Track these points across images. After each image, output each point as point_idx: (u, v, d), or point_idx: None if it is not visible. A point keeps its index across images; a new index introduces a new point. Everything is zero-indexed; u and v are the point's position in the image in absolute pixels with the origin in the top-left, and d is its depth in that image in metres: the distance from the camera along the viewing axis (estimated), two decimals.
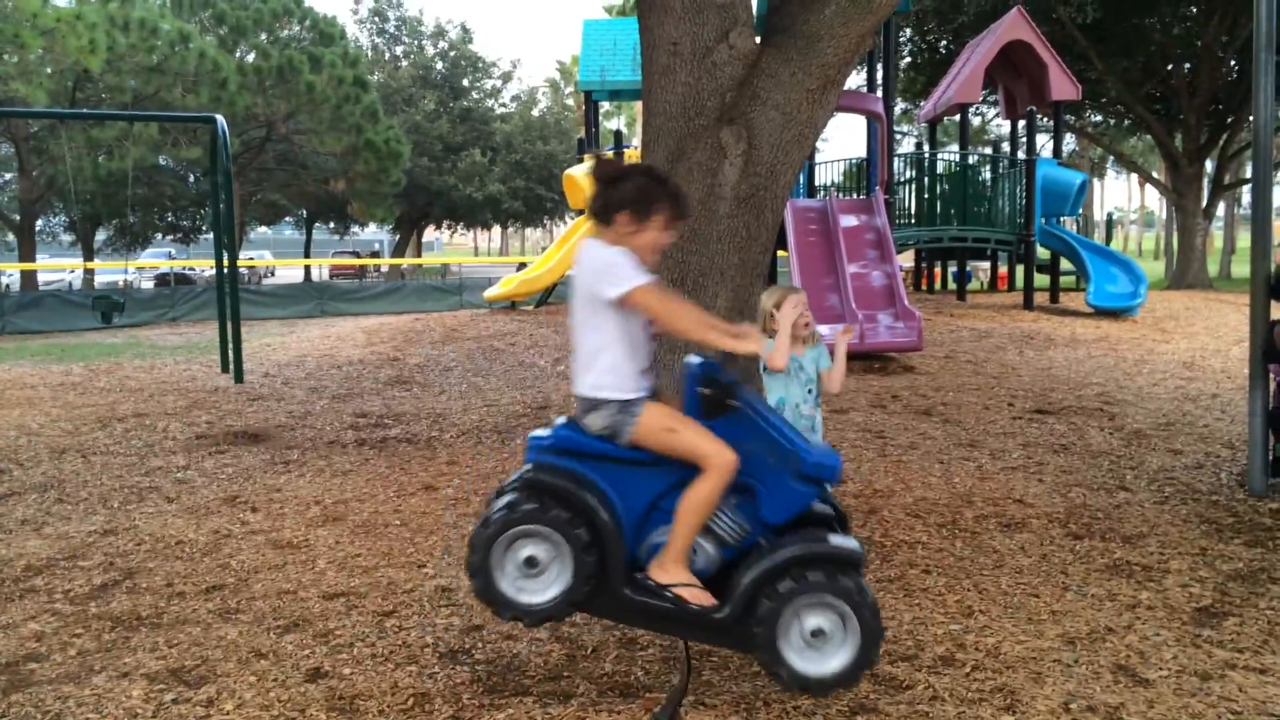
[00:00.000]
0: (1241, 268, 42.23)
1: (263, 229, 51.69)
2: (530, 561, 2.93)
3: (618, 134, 16.91)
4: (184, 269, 37.22)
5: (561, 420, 3.11)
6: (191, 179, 36.36)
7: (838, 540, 2.96)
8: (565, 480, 2.95)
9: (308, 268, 42.07)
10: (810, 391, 4.23)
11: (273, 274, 45.96)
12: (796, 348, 4.12)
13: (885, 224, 11.92)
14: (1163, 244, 60.61)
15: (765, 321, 4.11)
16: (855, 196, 14.56)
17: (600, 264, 2.97)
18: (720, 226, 5.54)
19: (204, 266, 39.17)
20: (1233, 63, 23.77)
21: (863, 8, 5.39)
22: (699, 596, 2.94)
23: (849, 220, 12.05)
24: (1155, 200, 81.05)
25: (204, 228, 40.24)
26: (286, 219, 47.48)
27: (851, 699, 3.18)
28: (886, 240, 11.67)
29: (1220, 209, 36.99)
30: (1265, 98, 5.35)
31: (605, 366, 2.99)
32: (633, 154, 16.55)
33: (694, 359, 3.12)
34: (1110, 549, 4.70)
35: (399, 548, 4.83)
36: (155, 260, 39.21)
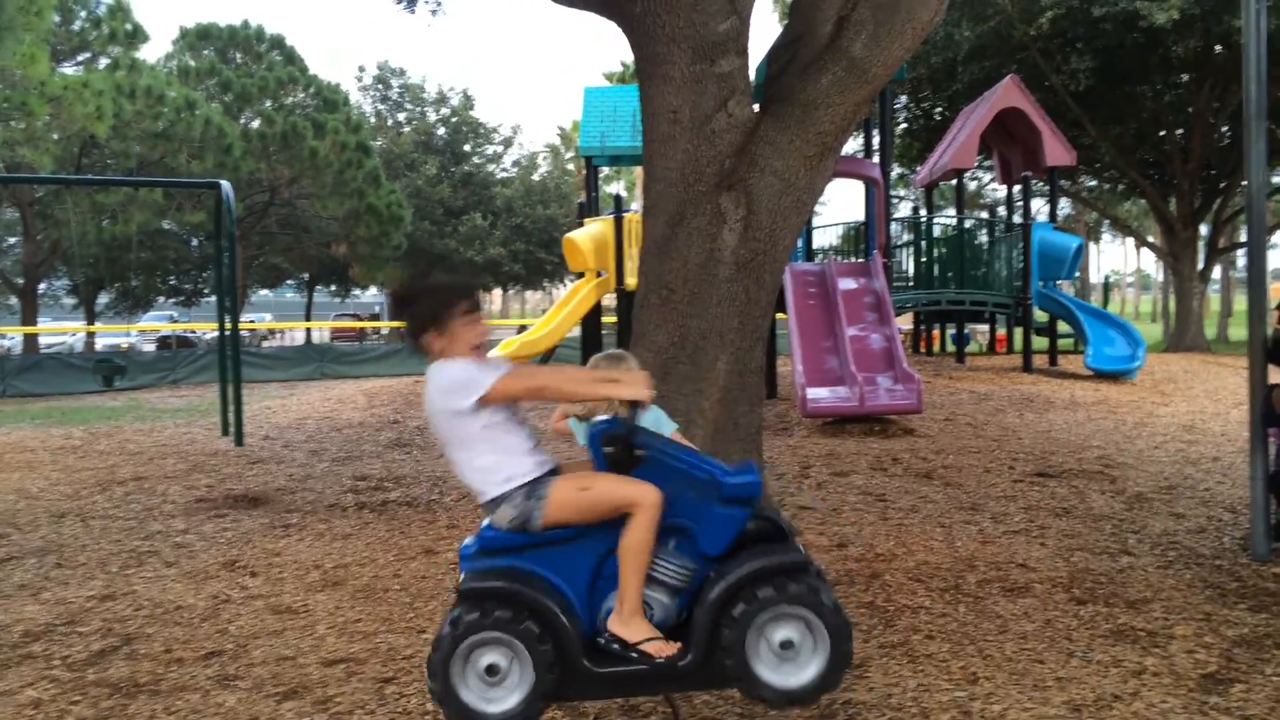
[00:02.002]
0: (1238, 331, 42.40)
1: (264, 291, 51.97)
2: (491, 670, 2.89)
3: (617, 198, 17.04)
4: (185, 332, 37.35)
5: (484, 524, 3.09)
6: (194, 243, 36.65)
7: (778, 549, 2.96)
8: (500, 580, 2.92)
9: (308, 330, 42.26)
10: None
11: (280, 336, 46.10)
12: (600, 410, 3.66)
13: (884, 287, 12.00)
14: (1159, 307, 60.95)
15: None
16: (853, 260, 14.66)
17: (446, 382, 2.97)
18: (720, 291, 5.59)
19: (205, 329, 39.42)
20: (1224, 129, 24.09)
21: (859, 77, 5.49)
22: (663, 648, 2.91)
23: (848, 283, 12.13)
24: (1151, 263, 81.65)
25: (206, 290, 40.50)
26: (288, 282, 47.76)
27: None
28: (885, 303, 11.74)
29: (1216, 272, 37.23)
30: (1257, 164, 5.44)
31: (486, 466, 2.99)
32: (633, 217, 16.71)
33: (593, 420, 3.14)
34: (1114, 614, 4.67)
35: (399, 613, 4.80)
36: (157, 324, 39.33)
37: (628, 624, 2.92)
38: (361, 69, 73.21)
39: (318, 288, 45.50)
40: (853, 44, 5.42)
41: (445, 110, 47.55)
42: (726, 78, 5.65)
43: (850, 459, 8.73)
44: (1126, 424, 10.92)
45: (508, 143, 50.11)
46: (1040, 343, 17.66)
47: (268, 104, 32.06)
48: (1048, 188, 17.95)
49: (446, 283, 3.16)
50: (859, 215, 15.86)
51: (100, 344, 34.19)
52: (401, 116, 47.77)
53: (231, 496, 8.01)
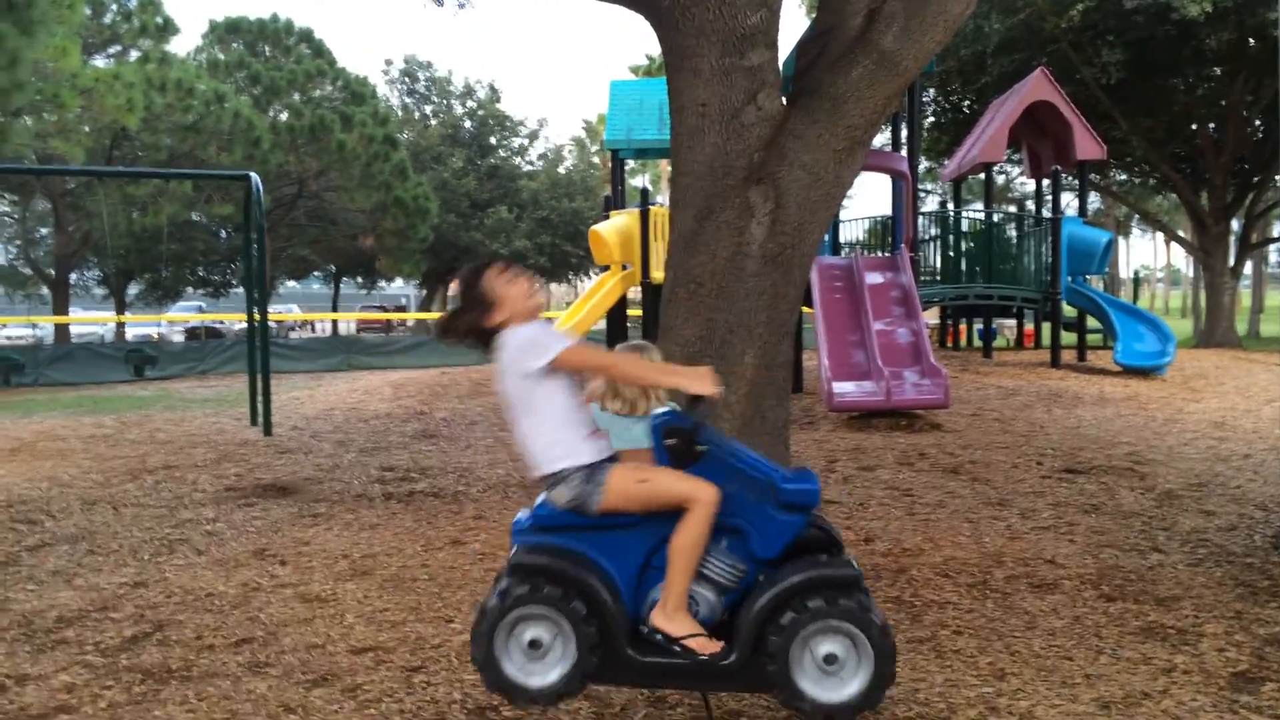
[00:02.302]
0: (1270, 326, 41.94)
1: (291, 283, 52.35)
2: (534, 644, 2.93)
3: (644, 191, 17.05)
4: (213, 322, 37.68)
5: (539, 499, 3.13)
6: (223, 234, 36.95)
7: (832, 563, 2.97)
8: (552, 557, 2.95)
9: (334, 322, 42.52)
10: None
11: (308, 327, 46.39)
12: (640, 406, 3.62)
13: (910, 281, 11.95)
14: (1189, 302, 60.30)
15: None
16: (880, 254, 14.60)
17: (520, 342, 3.00)
18: (748, 284, 5.58)
19: (233, 320, 39.75)
20: (1257, 123, 23.79)
21: (889, 71, 5.46)
22: (706, 645, 2.93)
23: (874, 278, 12.08)
24: (1181, 258, 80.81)
25: (234, 282, 40.85)
26: (315, 274, 48.07)
27: None
28: (912, 297, 11.69)
29: (1247, 267, 36.78)
30: None
31: (551, 440, 3.00)
32: (659, 210, 16.70)
33: (656, 413, 3.15)
34: (1144, 611, 4.64)
35: (427, 602, 4.83)
36: (185, 314, 39.70)
37: (671, 618, 2.94)
38: (389, 62, 73.75)
39: (344, 280, 45.78)
40: (883, 37, 5.39)
41: (472, 103, 47.67)
42: (756, 71, 5.63)
43: (876, 453, 8.70)
44: (1156, 420, 10.83)
45: (533, 136, 50.21)
46: (1069, 338, 17.52)
47: (296, 97, 32.29)
48: (1077, 182, 17.76)
49: (467, 269, 3.23)
50: (885, 209, 15.79)
51: (130, 334, 34.57)
52: (428, 109, 47.95)
53: (260, 486, 8.08)
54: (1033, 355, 18.36)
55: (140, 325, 35.67)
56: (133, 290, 38.92)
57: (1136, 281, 30.54)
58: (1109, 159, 22.22)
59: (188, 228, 33.72)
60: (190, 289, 40.95)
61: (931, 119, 25.71)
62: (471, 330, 3.14)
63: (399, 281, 53.42)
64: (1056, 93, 16.25)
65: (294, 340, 30.61)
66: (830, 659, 2.90)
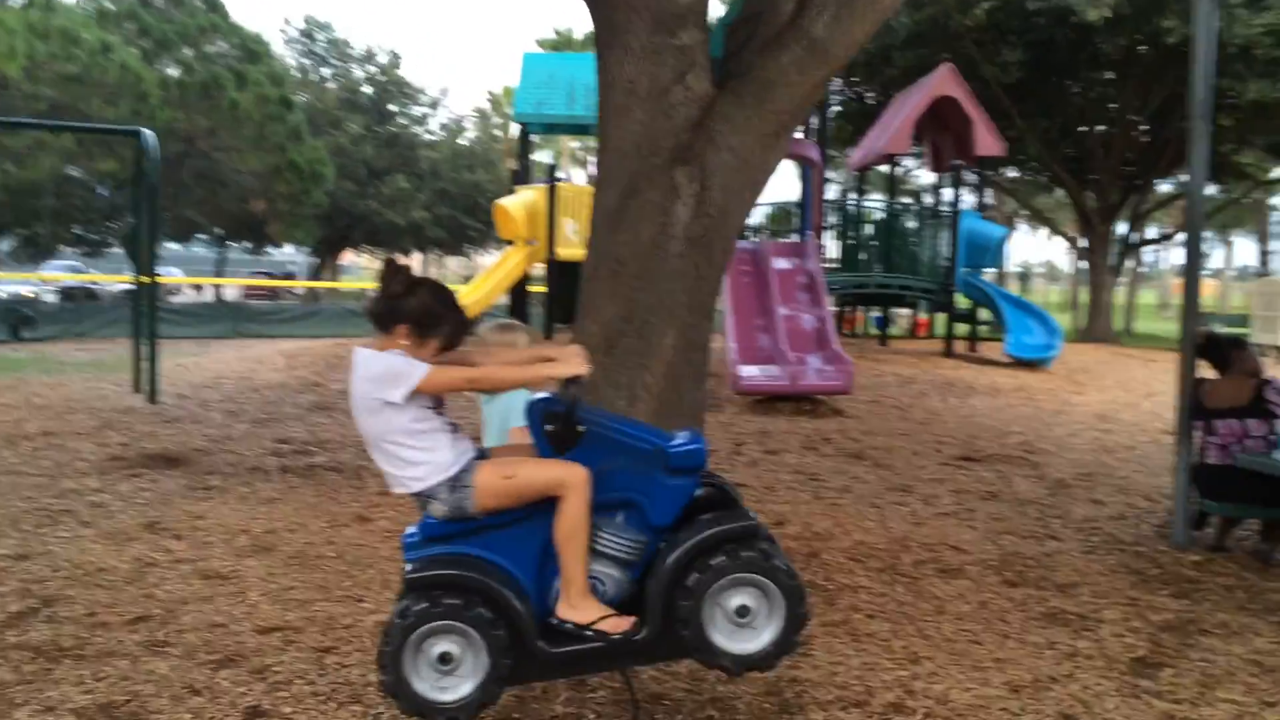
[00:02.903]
0: (1145, 323, 43.88)
1: (173, 245, 50.41)
2: (444, 658, 2.83)
3: (551, 167, 16.91)
4: (90, 284, 36.06)
5: (424, 513, 3.03)
6: (103, 192, 35.33)
7: (728, 516, 2.96)
8: (447, 567, 2.87)
9: (218, 287, 41.14)
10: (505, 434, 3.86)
11: (196, 291, 44.70)
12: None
13: (818, 268, 12.10)
14: (1069, 298, 62.64)
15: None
16: (788, 240, 14.74)
17: (378, 371, 2.90)
18: (670, 266, 5.55)
19: (111, 281, 38.06)
20: (1144, 127, 24.75)
21: (819, 58, 5.46)
22: (618, 624, 2.89)
23: (781, 263, 12.20)
24: (1061, 255, 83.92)
25: (112, 242, 39.10)
26: (199, 236, 46.40)
27: None
28: (818, 284, 11.84)
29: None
30: (1199, 163, 5.57)
31: (410, 459, 2.92)
32: (567, 186, 16.57)
33: (530, 400, 3.08)
34: (1045, 597, 4.79)
35: (335, 581, 4.69)
36: (59, 274, 37.87)
37: (576, 606, 2.89)
38: (287, 21, 71.28)
39: (231, 244, 44.29)
40: (814, 24, 5.38)
41: (372, 68, 46.52)
42: (686, 50, 5.58)
43: (782, 437, 8.80)
44: (1045, 411, 11.21)
45: (435, 105, 49.27)
46: (960, 329, 18.01)
47: (187, 52, 30.99)
48: (975, 176, 18.23)
49: (457, 314, 3.06)
50: (785, 194, 15.94)
51: (1, 291, 32.84)
52: (326, 72, 46.60)
53: (147, 456, 7.74)
54: (926, 344, 18.83)
55: (10, 284, 33.89)
56: (3, 246, 37.00)
57: (1025, 276, 31.55)
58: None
59: (65, 183, 32.15)
60: (65, 248, 39.09)
61: (837, 109, 26.05)
62: (378, 318, 3.01)
63: (289, 248, 51.97)
64: (961, 89, 16.60)
65: (177, 305, 29.51)
66: (742, 611, 2.89)
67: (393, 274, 3.01)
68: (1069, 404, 11.94)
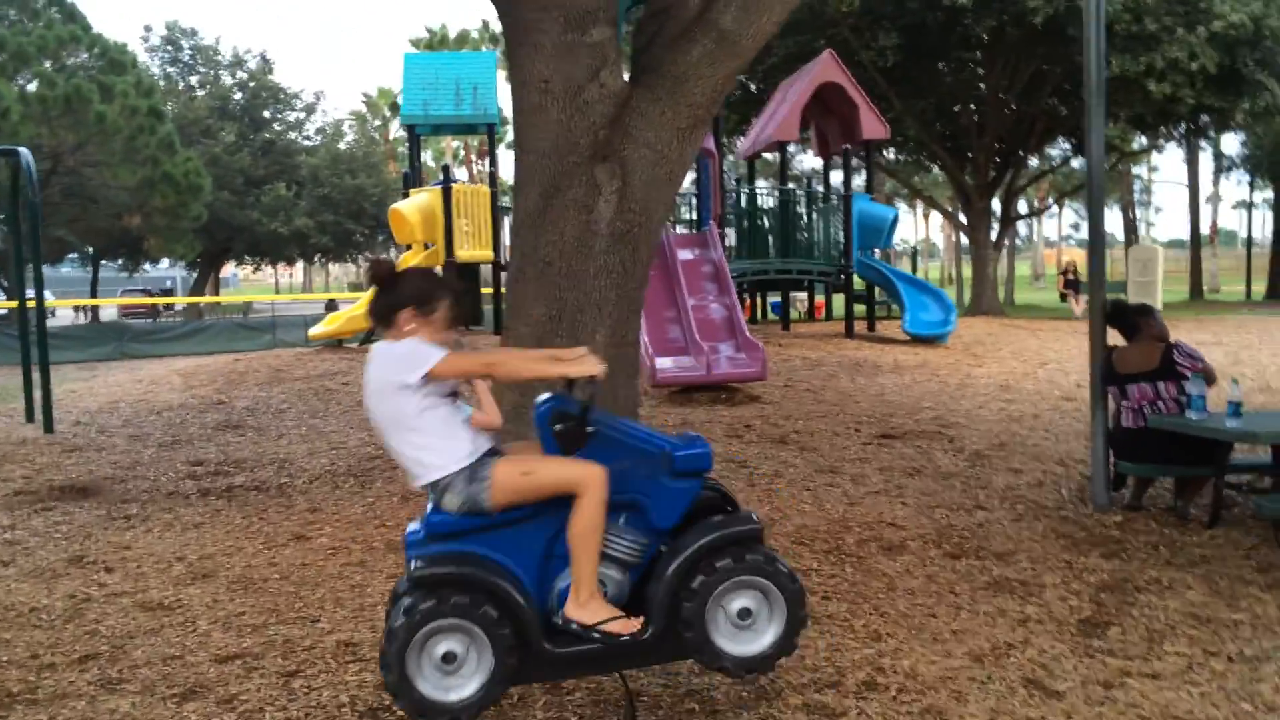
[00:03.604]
0: (1023, 295, 45.48)
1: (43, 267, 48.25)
2: (448, 658, 2.83)
3: (446, 168, 16.68)
4: None
5: (428, 510, 3.03)
6: None
7: (733, 519, 3.02)
8: (455, 565, 2.87)
9: (94, 308, 39.48)
10: None
11: (86, 313, 42.78)
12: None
13: (721, 257, 12.22)
14: (947, 273, 64.61)
15: None
16: (690, 231, 14.82)
17: (394, 357, 2.97)
18: (597, 263, 5.55)
19: None
20: (1013, 106, 25.67)
21: (729, 50, 5.53)
22: (627, 625, 2.92)
23: (685, 254, 12.27)
24: (937, 232, 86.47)
25: None
26: (70, 256, 44.44)
27: None
28: (724, 273, 11.96)
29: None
30: (1097, 139, 5.80)
31: (426, 448, 2.95)
32: (461, 188, 16.38)
33: (540, 400, 3.11)
34: (987, 567, 4.94)
35: (285, 603, 4.56)
36: None
37: (585, 606, 2.89)
38: (148, 28, 68.76)
39: (104, 262, 42.55)
40: (722, 16, 5.45)
41: (242, 74, 45.23)
42: (598, 47, 5.59)
43: (704, 427, 8.86)
44: (950, 385, 11.53)
45: (310, 109, 48.19)
46: (858, 309, 18.39)
47: (46, 65, 29.60)
48: (862, 160, 18.64)
49: (447, 279, 3.24)
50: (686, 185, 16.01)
51: None
52: (194, 80, 45.12)
53: (55, 488, 7.40)
54: (825, 326, 19.17)
55: None
56: None
57: (915, 255, 32.38)
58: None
59: None
60: None
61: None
62: (379, 316, 3.08)
63: (164, 263, 50.16)
64: (844, 74, 16.95)
65: (56, 328, 28.23)
66: (744, 614, 2.95)
67: (376, 268, 3.12)
68: (971, 377, 12.31)
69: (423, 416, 2.93)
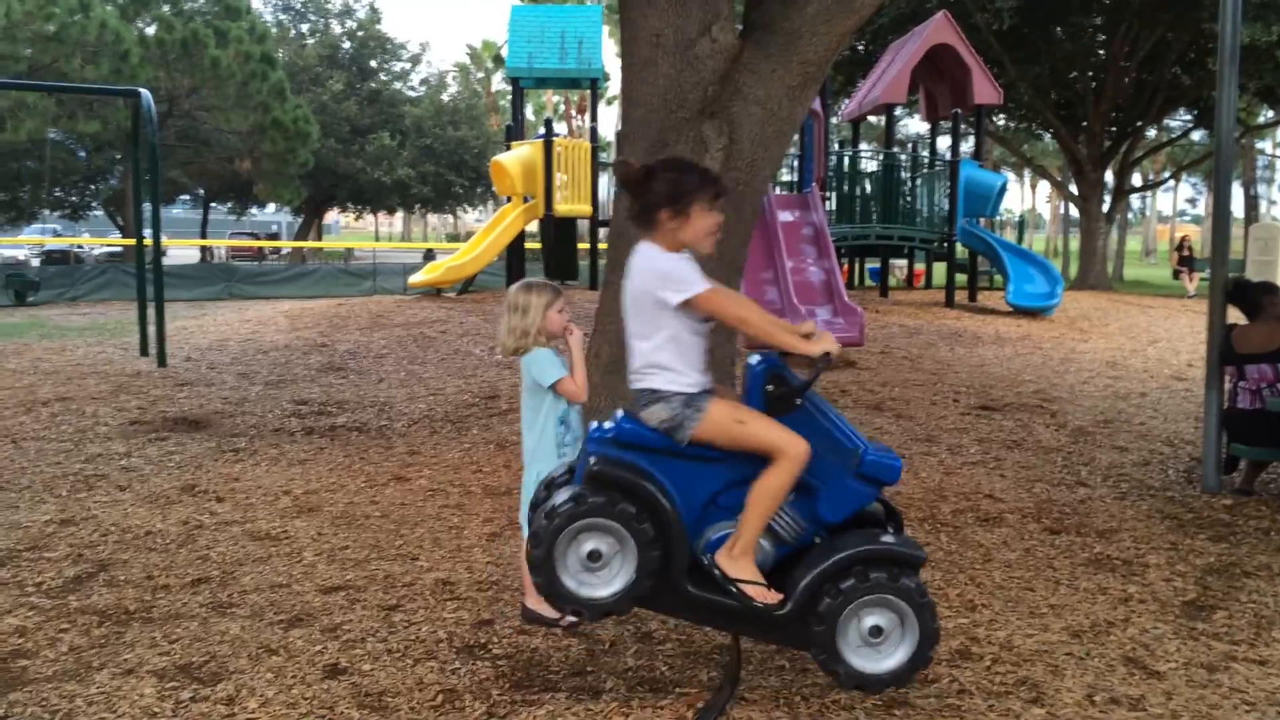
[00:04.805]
0: (1133, 270, 44.02)
1: (148, 206, 49.73)
2: (593, 555, 2.90)
3: (548, 122, 16.73)
4: (73, 247, 35.67)
5: (620, 413, 3.07)
6: (83, 153, 34.82)
7: (900, 541, 2.99)
8: (630, 474, 2.90)
9: (203, 249, 40.71)
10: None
11: (210, 255, 44.29)
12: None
13: (823, 220, 12.08)
14: (1052, 245, 62.76)
15: (538, 324, 3.66)
16: (792, 192, 14.68)
17: (661, 270, 2.95)
18: None
19: (94, 245, 37.62)
20: (1133, 74, 24.69)
21: (846, 6, 5.42)
22: (766, 595, 2.93)
23: (786, 216, 12.16)
24: (1044, 203, 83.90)
25: (93, 204, 38.61)
26: (182, 198, 45.85)
27: (884, 694, 3.20)
28: (824, 236, 11.82)
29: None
30: (1228, 109, 5.56)
31: (664, 362, 2.97)
32: (563, 141, 16.43)
33: (756, 358, 3.11)
34: (1088, 543, 4.84)
35: (386, 540, 4.70)
36: (40, 237, 37.42)
37: (736, 561, 2.93)
38: None
39: (213, 205, 43.81)
40: None
41: (351, 23, 45.80)
42: (711, 2, 5.53)
43: None
44: (1053, 359, 11.27)
45: (416, 60, 48.61)
46: (960, 278, 18.03)
47: (165, 9, 30.44)
48: (972, 125, 18.14)
49: (700, 167, 3.12)
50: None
51: None
52: (305, 28, 45.88)
53: (168, 419, 7.71)
54: (925, 295, 18.84)
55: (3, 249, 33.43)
56: None
57: (1022, 225, 31.55)
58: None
59: (42, 145, 31.67)
60: (47, 211, 38.61)
61: None
62: (639, 220, 3.04)
63: (270, 207, 51.40)
64: (957, 36, 16.51)
65: (168, 267, 29.25)
66: (875, 631, 2.94)
67: (622, 170, 3.06)
68: (1076, 352, 12.00)
69: (669, 334, 2.94)
